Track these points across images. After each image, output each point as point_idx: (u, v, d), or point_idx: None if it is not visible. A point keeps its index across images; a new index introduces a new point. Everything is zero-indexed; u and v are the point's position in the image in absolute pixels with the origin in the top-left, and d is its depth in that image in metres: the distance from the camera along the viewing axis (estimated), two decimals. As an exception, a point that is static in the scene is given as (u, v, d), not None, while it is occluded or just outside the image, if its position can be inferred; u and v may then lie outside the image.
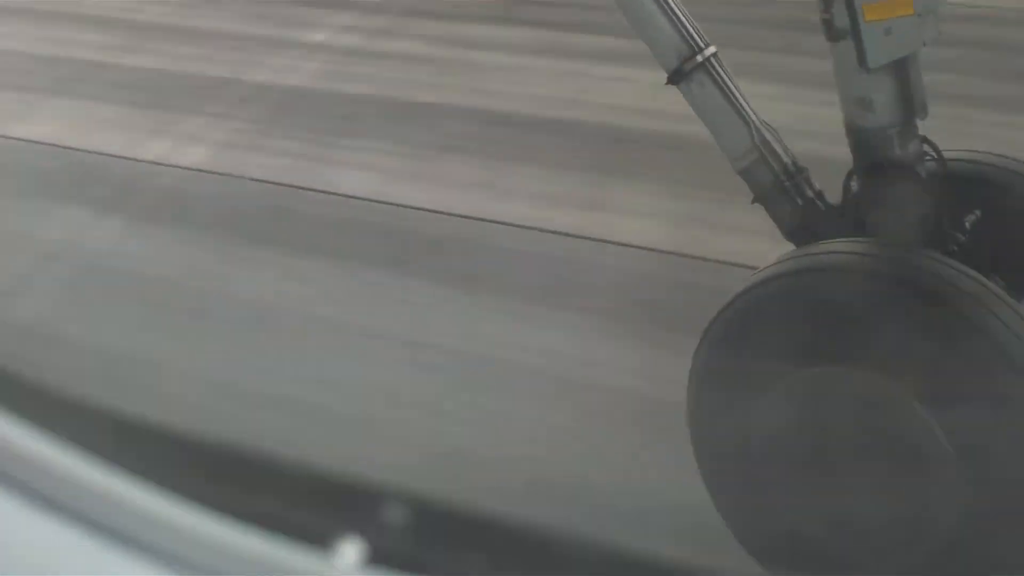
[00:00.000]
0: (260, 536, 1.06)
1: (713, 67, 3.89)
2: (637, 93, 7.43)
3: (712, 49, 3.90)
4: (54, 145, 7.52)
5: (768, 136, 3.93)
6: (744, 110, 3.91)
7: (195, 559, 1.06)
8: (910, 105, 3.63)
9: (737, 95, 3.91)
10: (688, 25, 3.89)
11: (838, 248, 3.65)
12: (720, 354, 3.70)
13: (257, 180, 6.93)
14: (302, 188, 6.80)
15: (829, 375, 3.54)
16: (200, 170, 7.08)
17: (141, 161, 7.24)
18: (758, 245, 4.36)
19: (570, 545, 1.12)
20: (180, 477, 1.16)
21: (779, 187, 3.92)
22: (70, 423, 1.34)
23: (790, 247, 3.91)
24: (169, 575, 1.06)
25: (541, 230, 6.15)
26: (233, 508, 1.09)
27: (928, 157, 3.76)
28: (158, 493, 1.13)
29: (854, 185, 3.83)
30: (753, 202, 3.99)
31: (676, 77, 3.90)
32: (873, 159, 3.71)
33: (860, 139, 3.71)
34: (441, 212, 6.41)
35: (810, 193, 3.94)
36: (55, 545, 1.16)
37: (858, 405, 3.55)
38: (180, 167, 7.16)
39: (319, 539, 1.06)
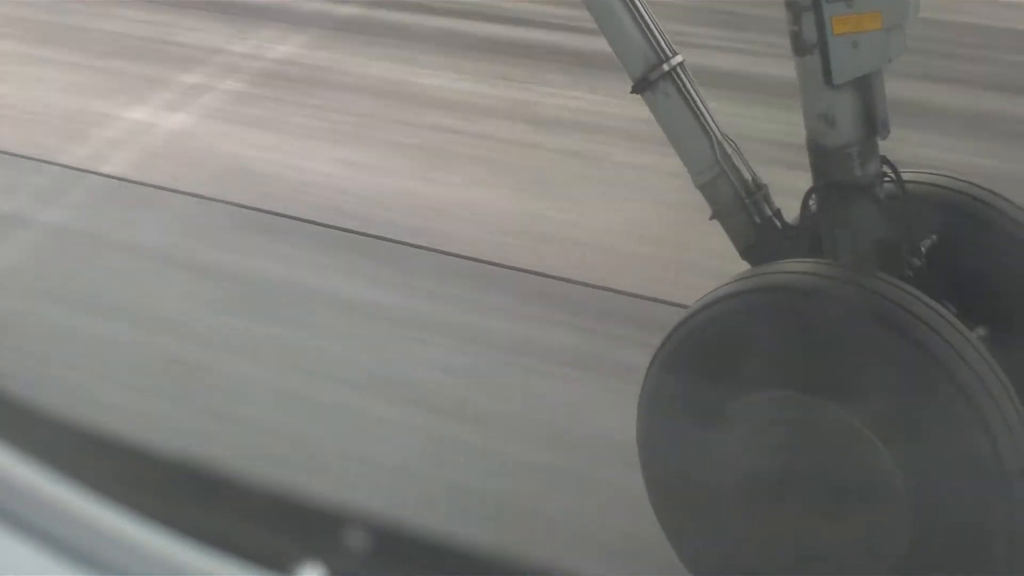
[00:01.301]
0: (220, 558, 1.02)
1: (679, 77, 3.86)
2: None
3: (679, 58, 3.87)
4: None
5: (730, 151, 3.91)
6: (707, 123, 3.89)
7: None
8: (872, 123, 3.62)
9: (701, 107, 3.89)
10: (656, 32, 3.87)
11: (792, 269, 3.64)
12: (671, 376, 3.67)
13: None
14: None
15: (780, 399, 3.52)
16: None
17: None
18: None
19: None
20: (134, 492, 1.12)
21: (738, 203, 3.90)
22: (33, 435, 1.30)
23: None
24: None
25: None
26: (191, 527, 1.05)
27: (887, 178, 3.75)
28: (110, 506, 1.09)
29: (812, 204, 3.82)
30: (711, 218, 3.97)
31: (641, 85, 3.87)
32: (833, 178, 3.70)
33: (821, 157, 3.70)
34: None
35: (768, 211, 3.92)
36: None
37: (808, 430, 3.52)
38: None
39: (281, 562, 1.02)
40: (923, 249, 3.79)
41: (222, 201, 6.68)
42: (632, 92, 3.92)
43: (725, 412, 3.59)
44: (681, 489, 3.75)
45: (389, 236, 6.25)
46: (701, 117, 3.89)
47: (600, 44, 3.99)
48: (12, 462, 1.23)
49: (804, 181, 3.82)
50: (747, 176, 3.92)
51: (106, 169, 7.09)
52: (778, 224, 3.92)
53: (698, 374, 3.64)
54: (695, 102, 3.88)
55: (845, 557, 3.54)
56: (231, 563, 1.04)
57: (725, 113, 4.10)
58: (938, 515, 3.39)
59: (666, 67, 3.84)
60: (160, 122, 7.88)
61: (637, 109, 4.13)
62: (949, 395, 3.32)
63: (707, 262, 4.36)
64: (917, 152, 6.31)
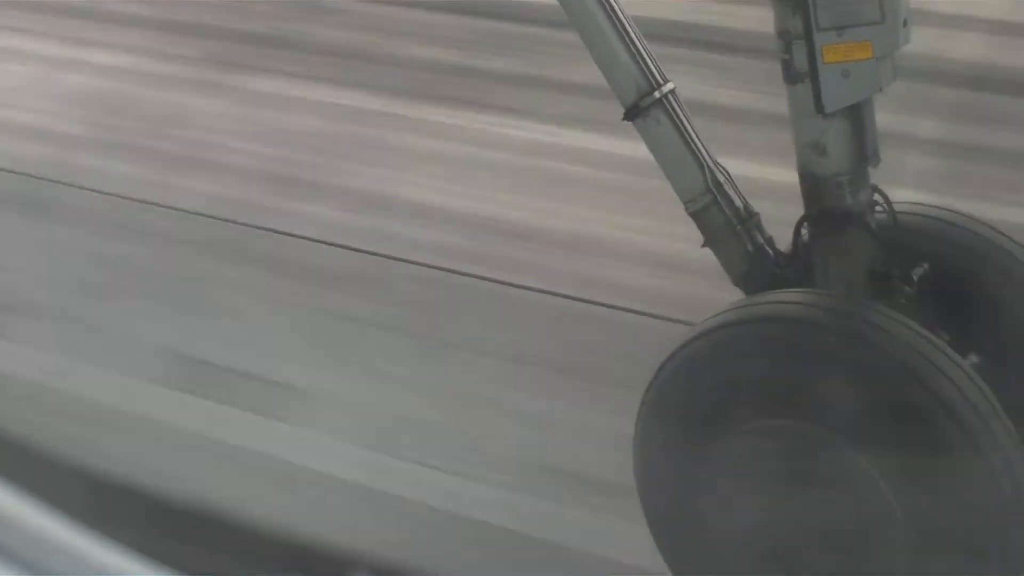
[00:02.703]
0: None
1: (671, 104, 3.87)
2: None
3: (670, 85, 3.88)
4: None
5: (721, 179, 3.92)
6: (699, 151, 3.90)
7: None
8: (863, 152, 3.63)
9: (693, 135, 3.89)
10: (648, 59, 3.88)
11: (784, 299, 3.64)
12: (664, 410, 3.68)
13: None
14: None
15: (773, 429, 3.52)
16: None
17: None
18: None
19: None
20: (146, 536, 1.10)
21: (731, 231, 3.90)
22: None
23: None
24: None
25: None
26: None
27: (878, 207, 3.76)
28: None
29: (804, 232, 3.82)
30: (703, 245, 3.97)
31: (633, 113, 3.88)
32: (824, 206, 3.71)
33: (812, 185, 3.71)
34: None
35: (760, 239, 3.93)
36: None
37: (800, 460, 3.53)
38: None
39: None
40: (915, 278, 3.79)
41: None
42: (624, 119, 3.92)
43: (718, 445, 3.60)
44: (682, 526, 3.76)
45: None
46: (692, 145, 3.89)
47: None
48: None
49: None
50: (739, 204, 3.93)
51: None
52: (770, 252, 3.92)
53: (690, 407, 3.65)
54: (686, 129, 3.89)
55: None
56: None
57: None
58: (934, 545, 3.39)
59: (657, 94, 3.85)
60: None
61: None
62: (942, 423, 3.32)
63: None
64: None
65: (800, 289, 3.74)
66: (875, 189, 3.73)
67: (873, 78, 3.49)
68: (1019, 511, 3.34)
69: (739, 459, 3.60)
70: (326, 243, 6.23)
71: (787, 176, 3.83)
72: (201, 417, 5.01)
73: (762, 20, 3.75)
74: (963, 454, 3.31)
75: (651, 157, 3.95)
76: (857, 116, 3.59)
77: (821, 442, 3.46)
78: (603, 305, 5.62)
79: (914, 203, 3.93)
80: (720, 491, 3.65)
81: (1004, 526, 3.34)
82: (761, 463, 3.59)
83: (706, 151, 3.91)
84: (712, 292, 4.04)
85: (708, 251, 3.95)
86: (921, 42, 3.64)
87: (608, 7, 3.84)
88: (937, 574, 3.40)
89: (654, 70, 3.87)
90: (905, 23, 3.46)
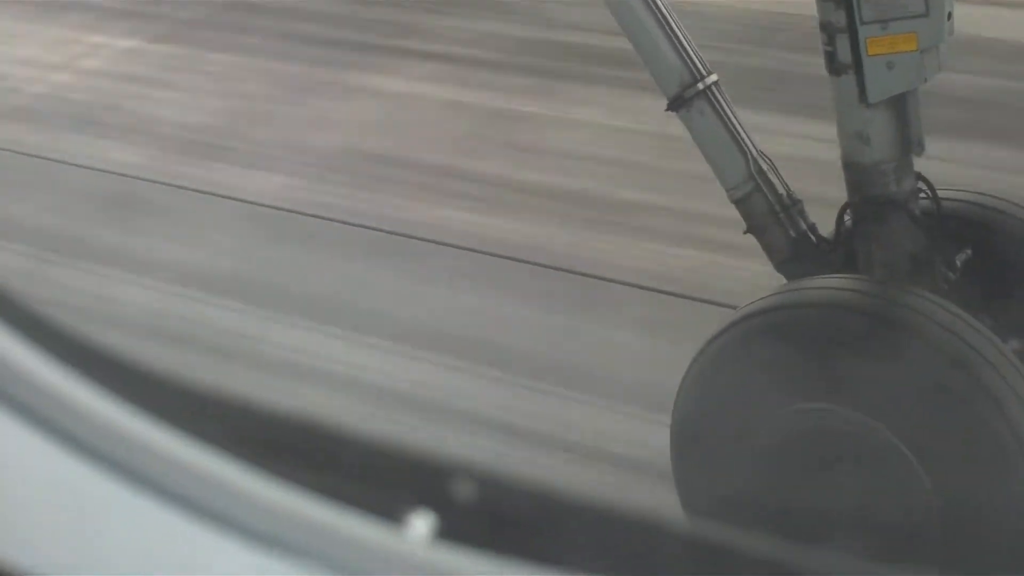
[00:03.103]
0: (328, 506, 1.04)
1: (714, 95, 3.90)
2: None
3: (714, 77, 3.90)
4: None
5: (764, 167, 3.94)
6: (742, 140, 3.92)
7: (254, 524, 1.04)
8: (907, 141, 3.64)
9: (736, 124, 3.92)
10: (691, 51, 3.89)
11: (829, 284, 3.67)
12: (710, 384, 3.72)
13: None
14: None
15: (817, 412, 3.56)
16: None
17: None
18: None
19: (666, 532, 1.09)
20: (235, 441, 1.13)
21: (773, 218, 3.93)
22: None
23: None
24: (231, 540, 1.04)
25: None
26: (297, 477, 1.07)
27: (922, 194, 3.79)
28: (207, 451, 1.10)
29: (848, 219, 3.85)
30: (746, 232, 4.00)
31: (676, 104, 3.91)
32: (868, 194, 3.73)
33: (856, 174, 3.73)
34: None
35: (803, 226, 3.95)
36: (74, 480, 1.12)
37: (845, 442, 3.56)
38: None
39: (391, 513, 1.04)
40: (958, 263, 3.82)
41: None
42: (667, 110, 3.95)
43: (761, 427, 3.64)
44: (717, 507, 3.80)
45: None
46: (736, 134, 3.92)
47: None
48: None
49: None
50: (781, 191, 3.95)
51: None
52: (813, 239, 3.94)
53: (733, 389, 3.68)
54: (729, 119, 3.91)
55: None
56: (339, 511, 1.03)
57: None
58: (969, 531, 3.43)
59: (701, 85, 3.87)
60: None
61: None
62: (984, 407, 3.35)
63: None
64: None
65: (843, 275, 3.77)
66: (919, 177, 3.76)
67: (918, 69, 3.50)
68: None
69: (779, 441, 3.64)
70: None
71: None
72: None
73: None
74: (1004, 439, 3.34)
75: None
76: (901, 106, 3.60)
77: (862, 426, 3.49)
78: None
79: (958, 189, 3.95)
80: (760, 472, 3.70)
81: None
82: (800, 446, 3.62)
83: (749, 140, 3.93)
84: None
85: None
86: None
87: (651, 2, 3.86)
88: (973, 561, 3.45)
89: (697, 62, 3.90)
90: (949, 15, 3.47)
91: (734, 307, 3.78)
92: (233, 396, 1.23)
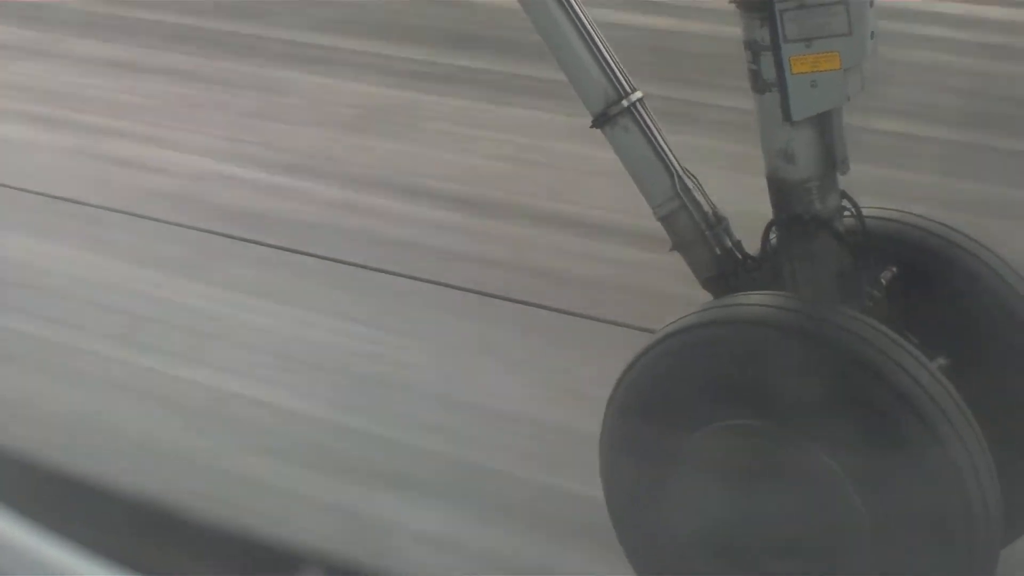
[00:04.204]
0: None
1: (639, 112, 3.88)
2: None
3: (638, 94, 3.88)
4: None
5: (690, 184, 3.93)
6: (667, 157, 3.91)
7: None
8: (831, 159, 3.65)
9: (661, 142, 3.90)
10: (616, 68, 3.88)
11: (754, 301, 3.67)
12: (630, 413, 3.72)
13: None
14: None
15: (744, 429, 3.55)
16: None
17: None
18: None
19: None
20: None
21: (699, 236, 3.92)
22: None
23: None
24: None
25: None
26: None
27: (846, 212, 3.79)
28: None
29: (773, 237, 3.85)
30: (671, 249, 3.99)
31: (601, 121, 3.88)
32: (792, 212, 3.73)
33: (781, 191, 3.72)
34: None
35: (729, 243, 3.95)
36: None
37: (768, 460, 3.56)
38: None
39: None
40: (883, 281, 3.83)
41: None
42: (592, 127, 3.93)
43: (684, 448, 3.63)
44: (648, 527, 3.79)
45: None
46: (660, 151, 3.90)
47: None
48: None
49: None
50: (707, 209, 3.94)
51: None
52: (739, 256, 3.94)
53: (660, 407, 3.67)
54: (655, 137, 3.90)
55: None
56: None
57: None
58: (900, 547, 3.43)
59: (626, 103, 3.86)
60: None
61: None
62: (910, 425, 3.36)
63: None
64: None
65: (768, 292, 3.77)
66: (843, 195, 3.76)
67: (841, 88, 3.50)
68: (985, 513, 3.39)
69: (704, 460, 3.63)
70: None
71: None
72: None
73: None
74: (930, 456, 3.35)
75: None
76: (825, 123, 3.60)
77: (786, 443, 3.50)
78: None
79: (882, 208, 3.96)
80: (686, 492, 3.68)
81: (970, 528, 3.39)
82: (726, 464, 3.62)
83: (674, 158, 3.92)
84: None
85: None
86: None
87: (575, 17, 3.83)
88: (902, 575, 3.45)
89: (622, 79, 3.88)
90: (872, 34, 3.47)
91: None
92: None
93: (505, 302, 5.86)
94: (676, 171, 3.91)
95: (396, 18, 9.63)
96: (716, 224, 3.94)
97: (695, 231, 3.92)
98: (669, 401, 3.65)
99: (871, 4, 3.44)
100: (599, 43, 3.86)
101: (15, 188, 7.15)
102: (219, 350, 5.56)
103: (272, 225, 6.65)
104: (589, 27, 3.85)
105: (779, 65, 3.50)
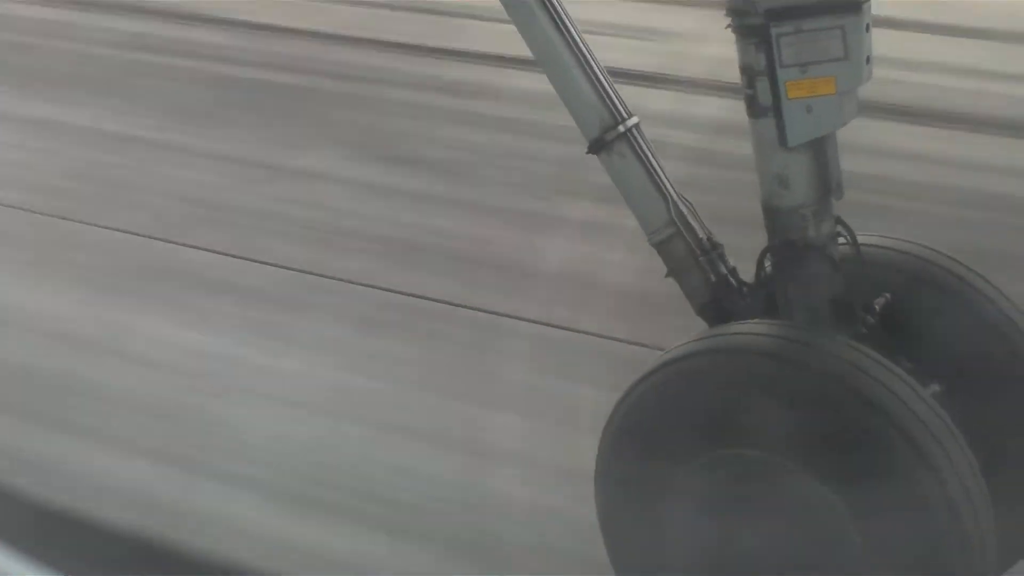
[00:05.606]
0: None
1: (635, 138, 3.89)
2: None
3: (635, 120, 3.90)
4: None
5: (685, 210, 3.94)
6: (663, 183, 3.92)
7: None
8: (826, 185, 3.66)
9: (657, 168, 3.91)
10: (612, 93, 3.89)
11: (749, 330, 3.67)
12: (627, 440, 3.71)
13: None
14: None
15: (740, 457, 3.54)
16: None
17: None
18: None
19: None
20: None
21: (694, 262, 3.92)
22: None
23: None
24: None
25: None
26: None
27: (841, 239, 3.80)
28: None
29: (768, 263, 3.85)
30: (667, 276, 3.99)
31: (596, 146, 3.89)
32: (787, 238, 3.74)
33: (776, 217, 3.73)
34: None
35: (724, 270, 3.95)
36: None
37: (764, 489, 3.55)
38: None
39: None
40: (877, 308, 3.83)
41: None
42: (587, 153, 3.94)
43: (681, 475, 3.62)
44: (645, 555, 3.77)
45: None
46: (656, 177, 3.91)
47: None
48: None
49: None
50: (702, 235, 3.95)
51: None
52: (733, 283, 3.95)
53: (656, 435, 3.67)
54: (650, 162, 3.91)
55: None
56: None
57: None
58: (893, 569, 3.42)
59: (621, 128, 3.87)
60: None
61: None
62: (904, 452, 3.35)
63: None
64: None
65: (762, 320, 3.77)
66: (838, 221, 3.77)
67: (837, 113, 3.52)
68: (978, 539, 3.38)
69: (701, 489, 3.62)
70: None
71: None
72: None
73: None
74: (923, 483, 3.34)
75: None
76: (820, 149, 3.62)
77: (782, 472, 3.49)
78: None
79: (877, 235, 3.97)
80: (683, 521, 3.67)
81: (964, 555, 3.38)
82: (722, 493, 3.61)
83: (669, 184, 3.93)
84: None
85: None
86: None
87: (572, 42, 3.85)
88: None
89: (618, 104, 3.89)
90: (868, 59, 3.49)
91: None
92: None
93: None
94: (671, 197, 3.92)
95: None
96: (711, 251, 3.95)
97: (690, 258, 3.93)
98: (664, 429, 3.64)
99: (867, 28, 3.46)
100: (596, 68, 3.88)
101: None
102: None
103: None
104: (586, 52, 3.87)
105: (775, 90, 3.52)
